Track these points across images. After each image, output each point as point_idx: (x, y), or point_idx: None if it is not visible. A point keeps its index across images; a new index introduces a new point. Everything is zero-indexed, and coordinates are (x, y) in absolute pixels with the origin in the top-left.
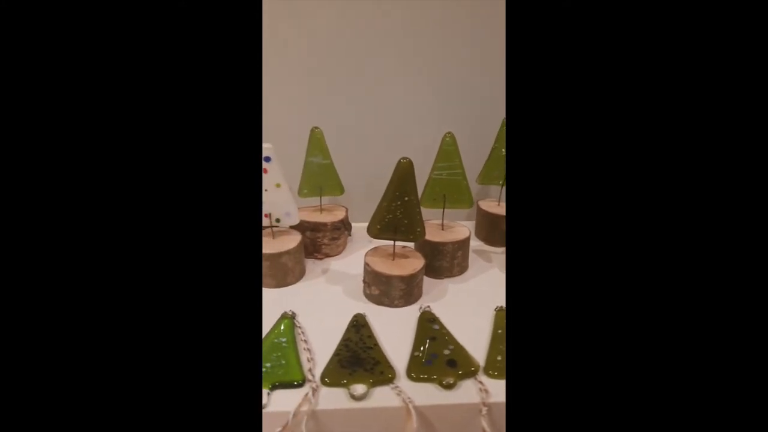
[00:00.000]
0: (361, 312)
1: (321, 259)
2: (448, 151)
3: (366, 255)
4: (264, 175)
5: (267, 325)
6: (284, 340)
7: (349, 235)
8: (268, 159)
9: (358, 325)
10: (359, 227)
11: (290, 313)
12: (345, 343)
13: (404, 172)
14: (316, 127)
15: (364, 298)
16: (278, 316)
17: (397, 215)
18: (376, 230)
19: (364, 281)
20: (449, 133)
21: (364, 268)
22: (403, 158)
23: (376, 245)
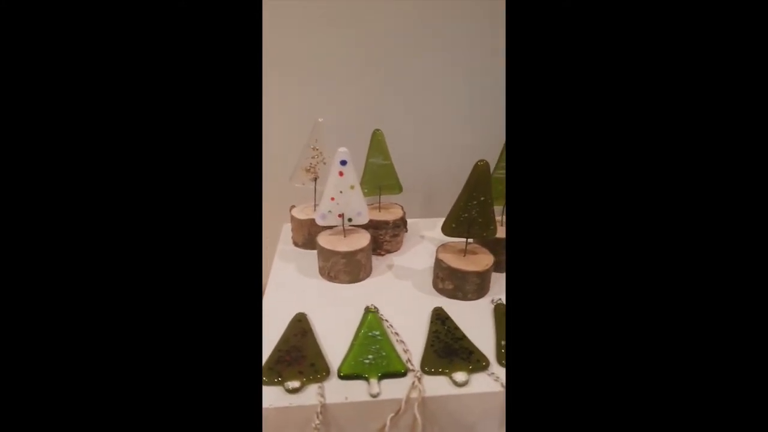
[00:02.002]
0: (438, 305)
1: (383, 255)
2: None
3: (438, 252)
4: (339, 178)
5: (351, 318)
6: (377, 333)
7: (406, 231)
8: (344, 162)
9: (442, 318)
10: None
11: (373, 307)
12: (435, 335)
13: (481, 173)
14: (378, 130)
15: (434, 291)
16: (359, 309)
17: (473, 214)
18: (450, 228)
19: (437, 277)
20: None
21: (438, 264)
22: (480, 161)
23: (443, 242)
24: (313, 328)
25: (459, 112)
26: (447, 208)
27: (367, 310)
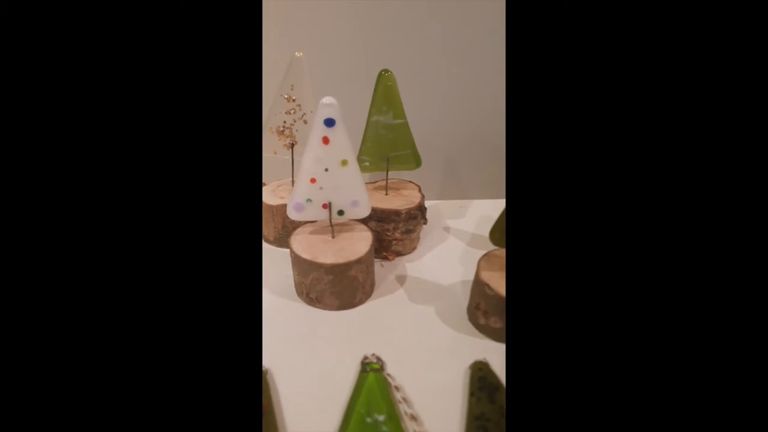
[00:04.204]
0: (480, 357)
1: (391, 260)
2: None
3: (480, 269)
4: (324, 147)
5: (340, 379)
6: (381, 417)
7: (425, 223)
8: (331, 122)
9: (490, 387)
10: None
11: (375, 359)
12: (478, 423)
13: None
14: (386, 71)
15: (471, 327)
16: (353, 361)
17: None
18: (500, 236)
19: (478, 308)
20: None
21: (480, 288)
22: None
23: (479, 240)
24: (276, 400)
25: (493, 51)
26: (477, 184)
27: (366, 365)
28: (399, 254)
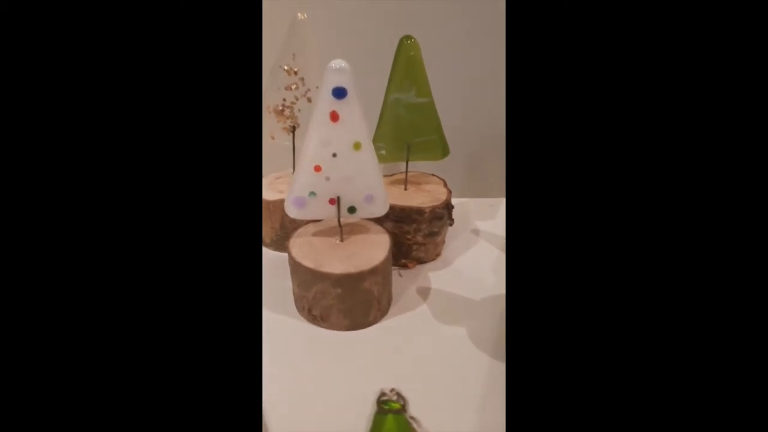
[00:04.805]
0: None
1: (411, 268)
2: None
3: None
4: (332, 125)
5: (351, 422)
6: None
7: (451, 223)
8: (341, 92)
9: None
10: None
11: (395, 397)
12: None
13: None
14: (408, 37)
15: None
16: (367, 397)
17: None
18: None
19: None
20: None
21: None
22: None
23: None
24: None
25: None
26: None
27: (384, 404)
28: (420, 261)
